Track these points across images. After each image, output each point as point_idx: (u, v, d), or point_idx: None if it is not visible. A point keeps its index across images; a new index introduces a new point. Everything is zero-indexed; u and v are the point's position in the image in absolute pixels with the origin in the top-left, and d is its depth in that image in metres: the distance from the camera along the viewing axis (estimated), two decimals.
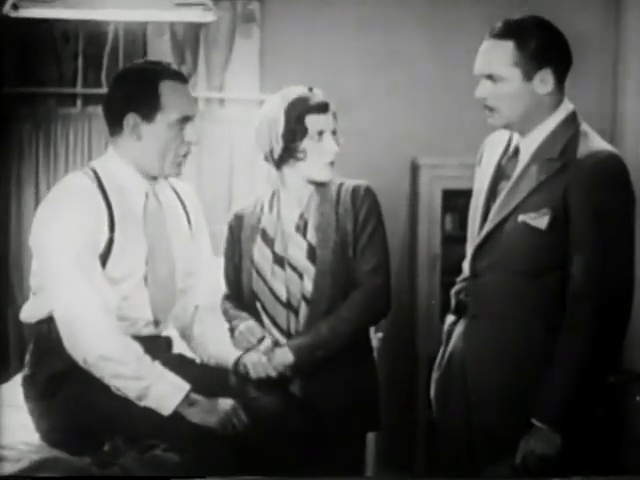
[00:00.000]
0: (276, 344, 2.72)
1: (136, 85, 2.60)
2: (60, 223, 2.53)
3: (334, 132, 2.78)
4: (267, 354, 2.70)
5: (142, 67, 2.68)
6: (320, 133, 2.75)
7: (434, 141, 4.89)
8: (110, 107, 2.63)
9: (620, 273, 2.38)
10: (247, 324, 2.74)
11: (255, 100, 4.75)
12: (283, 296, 2.75)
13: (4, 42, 4.59)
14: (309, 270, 2.74)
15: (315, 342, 2.70)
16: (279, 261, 2.77)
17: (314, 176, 2.78)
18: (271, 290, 2.76)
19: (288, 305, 2.75)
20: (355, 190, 2.79)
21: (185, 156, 2.65)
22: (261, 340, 2.71)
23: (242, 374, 2.71)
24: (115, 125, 2.62)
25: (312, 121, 2.74)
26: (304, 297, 2.74)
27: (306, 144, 2.75)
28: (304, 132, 2.74)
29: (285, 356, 2.70)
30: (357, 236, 2.76)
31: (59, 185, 2.64)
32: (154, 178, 2.67)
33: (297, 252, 2.75)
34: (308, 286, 2.74)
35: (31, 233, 2.60)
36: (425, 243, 4.80)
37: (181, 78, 2.64)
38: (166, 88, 2.59)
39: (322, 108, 2.76)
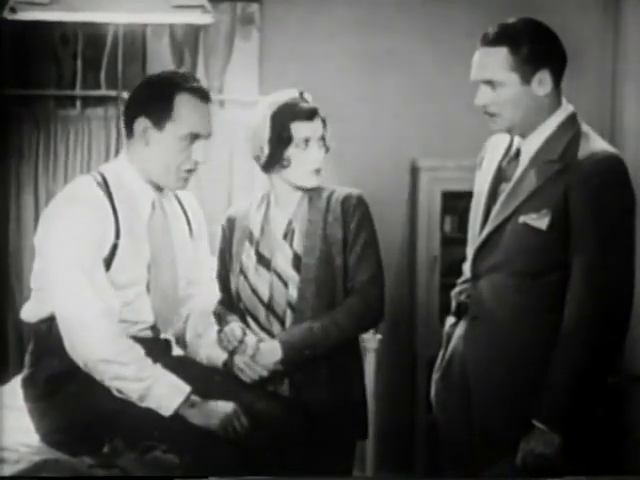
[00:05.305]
0: (260, 341, 2.71)
1: (153, 91, 2.60)
2: (66, 227, 2.52)
3: (322, 139, 2.75)
4: (254, 353, 2.67)
5: (165, 75, 2.67)
6: (306, 141, 2.72)
7: (433, 143, 4.89)
8: (126, 110, 2.65)
9: (620, 274, 2.38)
10: (229, 326, 2.72)
11: (254, 102, 4.75)
12: (265, 297, 2.75)
13: (3, 44, 4.59)
14: (294, 279, 2.73)
15: (305, 341, 2.68)
16: (264, 262, 2.76)
17: (299, 183, 2.76)
18: (254, 291, 2.75)
19: (269, 307, 2.74)
20: (346, 199, 2.76)
21: (190, 172, 2.64)
22: (242, 342, 2.68)
23: (237, 377, 2.70)
24: (129, 128, 2.62)
25: (298, 128, 2.71)
26: (289, 304, 2.73)
27: (291, 152, 2.72)
28: (289, 140, 2.71)
29: (274, 351, 2.68)
30: (349, 246, 2.74)
31: (67, 188, 2.64)
32: (160, 188, 2.67)
33: (283, 260, 2.74)
34: (293, 294, 2.72)
35: (37, 232, 2.61)
36: (424, 245, 4.79)
37: (203, 96, 2.62)
38: (183, 101, 2.58)
39: (309, 115, 2.73)
